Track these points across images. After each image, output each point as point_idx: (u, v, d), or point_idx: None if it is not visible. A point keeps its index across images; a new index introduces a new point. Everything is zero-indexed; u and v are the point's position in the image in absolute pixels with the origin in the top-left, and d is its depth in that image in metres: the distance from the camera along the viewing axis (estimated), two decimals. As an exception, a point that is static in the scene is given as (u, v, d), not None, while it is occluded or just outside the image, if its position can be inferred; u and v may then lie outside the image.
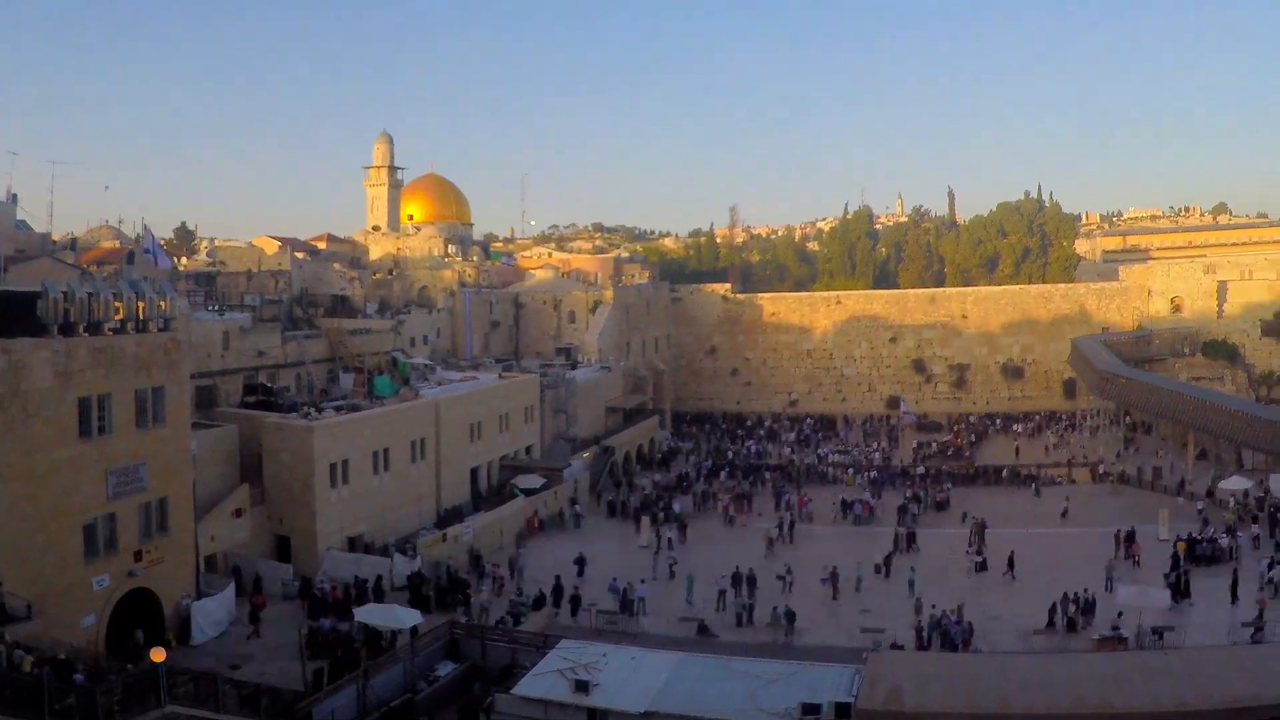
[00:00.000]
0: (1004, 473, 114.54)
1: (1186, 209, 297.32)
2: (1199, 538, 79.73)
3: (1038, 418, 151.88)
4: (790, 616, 66.42)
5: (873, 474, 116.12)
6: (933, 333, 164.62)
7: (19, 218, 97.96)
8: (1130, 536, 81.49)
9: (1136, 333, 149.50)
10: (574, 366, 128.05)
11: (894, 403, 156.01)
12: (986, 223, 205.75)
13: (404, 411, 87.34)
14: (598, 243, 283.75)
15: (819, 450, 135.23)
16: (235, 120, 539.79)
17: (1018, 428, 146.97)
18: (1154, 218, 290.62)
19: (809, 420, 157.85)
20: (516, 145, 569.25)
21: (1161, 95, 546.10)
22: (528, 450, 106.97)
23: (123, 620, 57.59)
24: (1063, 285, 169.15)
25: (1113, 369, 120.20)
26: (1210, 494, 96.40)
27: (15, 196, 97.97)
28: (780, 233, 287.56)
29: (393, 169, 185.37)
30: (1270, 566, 70.71)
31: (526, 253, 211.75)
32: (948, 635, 62.39)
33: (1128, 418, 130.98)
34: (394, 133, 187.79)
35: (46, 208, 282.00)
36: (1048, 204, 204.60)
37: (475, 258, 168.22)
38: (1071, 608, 66.36)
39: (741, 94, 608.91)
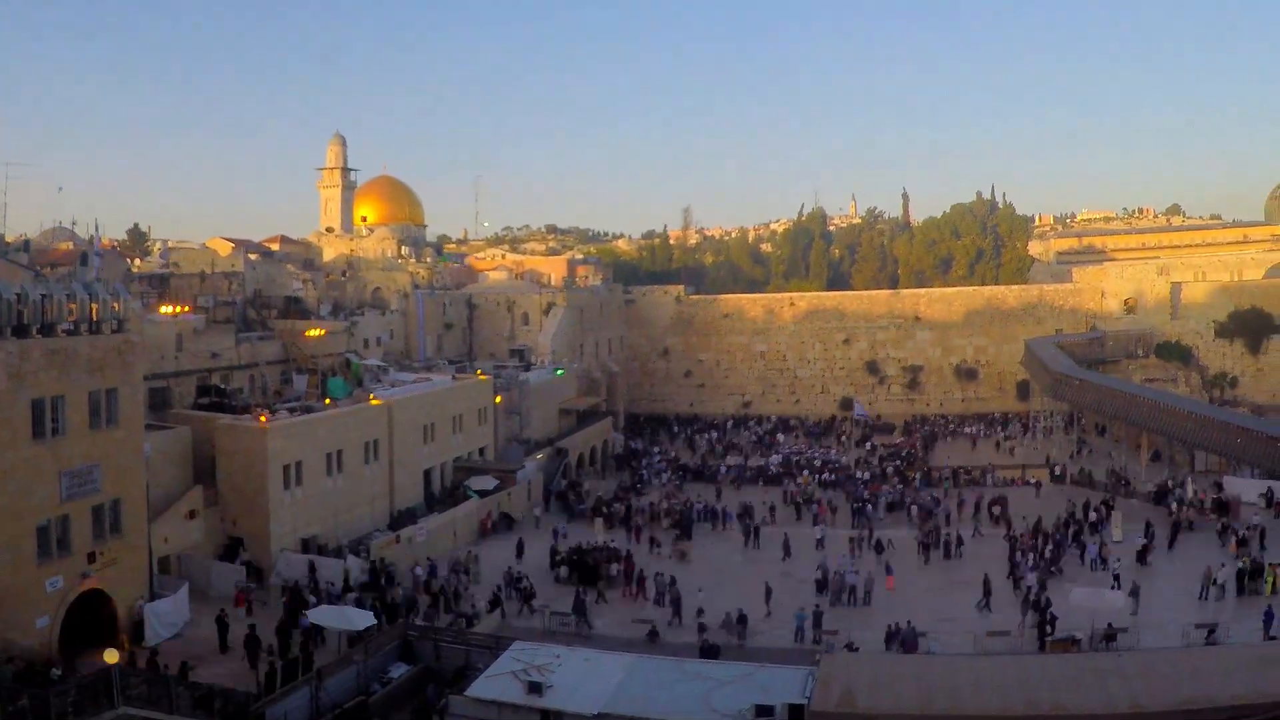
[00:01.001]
0: (957, 474, 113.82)
1: (1140, 210, 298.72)
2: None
3: (993, 419, 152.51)
4: (742, 619, 66.72)
5: (825, 475, 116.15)
6: (886, 334, 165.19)
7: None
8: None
9: (1090, 334, 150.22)
10: (528, 368, 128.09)
11: (847, 404, 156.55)
12: (940, 224, 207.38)
13: (357, 413, 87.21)
14: (551, 244, 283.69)
15: (775, 453, 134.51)
16: (189, 122, 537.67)
17: (971, 429, 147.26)
18: (1107, 219, 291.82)
19: (769, 420, 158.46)
20: (470, 147, 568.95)
21: (1115, 97, 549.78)
22: (481, 452, 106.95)
23: (76, 622, 57.55)
24: (1016, 286, 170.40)
25: (1066, 370, 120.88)
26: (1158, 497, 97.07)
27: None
28: (734, 234, 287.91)
29: (346, 170, 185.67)
30: (1221, 566, 71.55)
31: (480, 254, 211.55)
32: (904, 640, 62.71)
33: (1081, 419, 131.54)
34: (347, 134, 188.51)
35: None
36: (1001, 205, 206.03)
37: (429, 259, 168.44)
38: (1028, 610, 67.13)
39: (695, 95, 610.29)
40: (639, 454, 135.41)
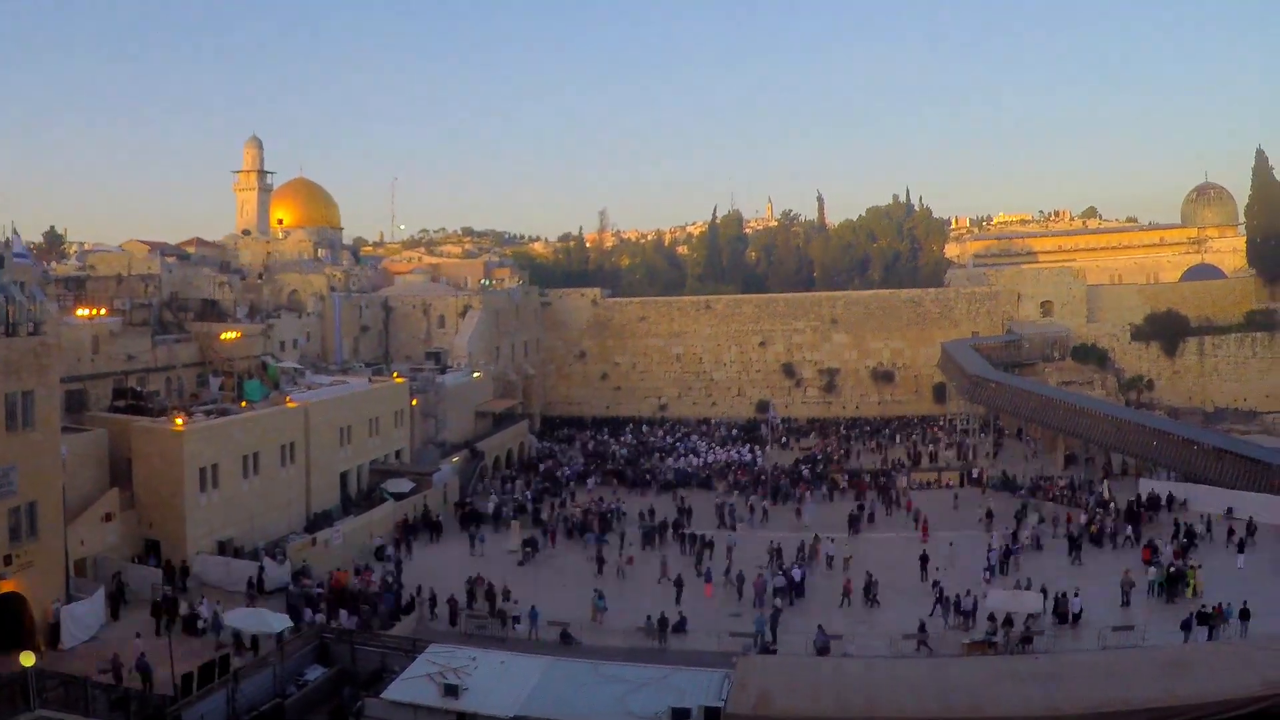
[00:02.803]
0: (875, 478, 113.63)
1: (1056, 213, 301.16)
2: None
3: (910, 422, 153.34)
4: (663, 623, 67.14)
5: (744, 479, 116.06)
6: (802, 337, 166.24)
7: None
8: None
9: (1006, 337, 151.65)
10: (444, 371, 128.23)
11: (763, 407, 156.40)
12: (856, 227, 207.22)
13: (274, 416, 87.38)
14: (467, 247, 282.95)
15: (694, 456, 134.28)
16: (105, 124, 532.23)
17: (888, 431, 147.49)
18: (1024, 222, 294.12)
19: (681, 424, 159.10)
20: (386, 149, 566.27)
21: (1030, 99, 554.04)
22: (397, 454, 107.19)
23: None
24: (932, 290, 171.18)
25: (983, 373, 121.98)
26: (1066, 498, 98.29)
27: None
28: (650, 237, 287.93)
29: (262, 173, 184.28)
30: (1147, 570, 72.68)
31: (396, 256, 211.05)
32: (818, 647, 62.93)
33: (998, 422, 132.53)
34: (263, 136, 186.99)
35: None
36: (917, 208, 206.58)
37: (345, 262, 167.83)
38: (951, 613, 68.00)
39: (610, 98, 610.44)
40: (555, 456, 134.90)
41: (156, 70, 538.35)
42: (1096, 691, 38.35)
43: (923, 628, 64.80)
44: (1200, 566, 71.70)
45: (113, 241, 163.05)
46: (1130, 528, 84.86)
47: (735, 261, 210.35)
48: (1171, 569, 71.88)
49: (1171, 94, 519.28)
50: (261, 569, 72.55)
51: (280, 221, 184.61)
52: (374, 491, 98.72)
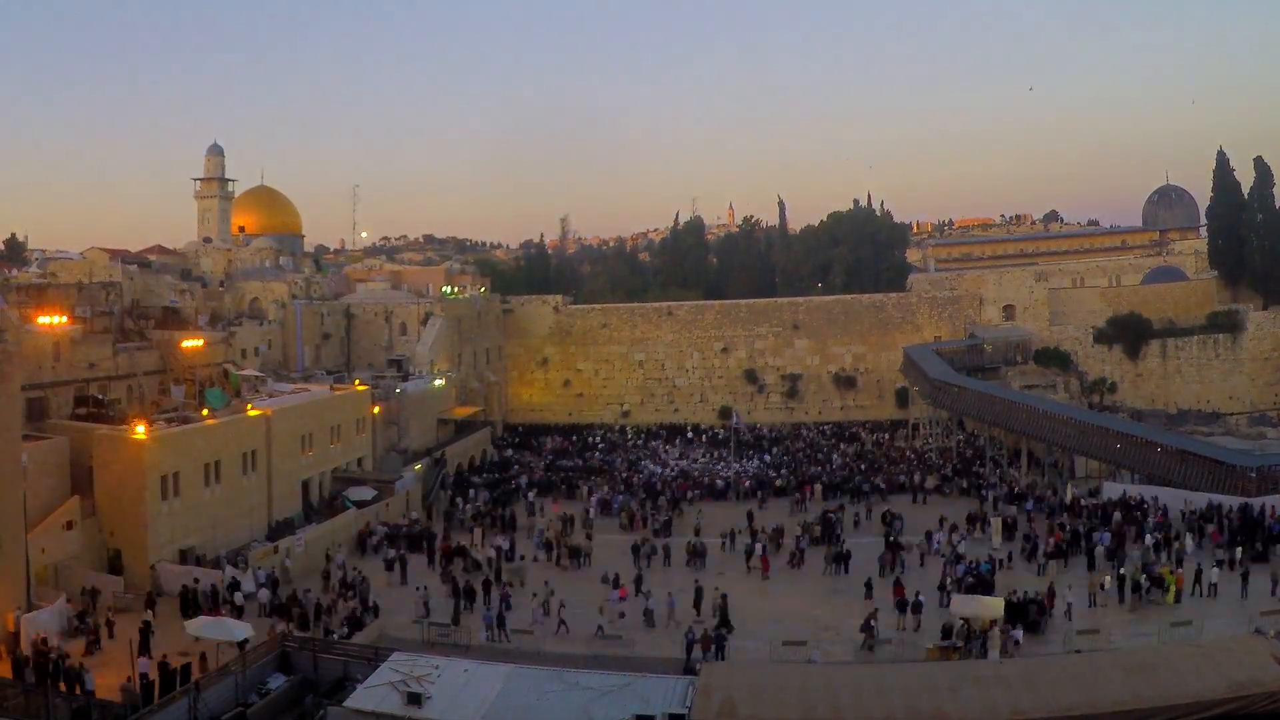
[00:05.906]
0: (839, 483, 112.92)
1: (1018, 217, 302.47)
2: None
3: (874, 427, 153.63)
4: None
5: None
6: (764, 343, 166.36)
7: None
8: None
9: (969, 341, 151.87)
10: (406, 378, 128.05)
11: (726, 413, 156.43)
12: (818, 232, 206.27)
13: (235, 424, 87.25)
14: (429, 255, 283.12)
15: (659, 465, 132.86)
16: (66, 131, 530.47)
17: (852, 439, 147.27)
18: (985, 226, 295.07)
19: (650, 431, 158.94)
20: (348, 156, 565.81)
21: (992, 103, 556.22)
22: (359, 462, 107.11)
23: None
24: (895, 294, 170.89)
25: (945, 378, 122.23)
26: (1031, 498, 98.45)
27: None
28: (612, 243, 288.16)
29: (223, 181, 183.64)
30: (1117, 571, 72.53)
31: (358, 264, 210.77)
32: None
33: (962, 427, 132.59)
34: (225, 143, 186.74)
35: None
36: (879, 213, 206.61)
37: (307, 269, 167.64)
38: (906, 614, 67.99)
39: (571, 105, 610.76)
40: (510, 464, 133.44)
41: (119, 78, 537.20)
42: (1062, 695, 37.93)
43: (868, 625, 65.06)
44: (1177, 570, 71.37)
45: (74, 249, 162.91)
46: (1097, 531, 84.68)
47: (697, 267, 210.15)
48: (1143, 572, 71.68)
49: (1132, 96, 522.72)
50: (236, 580, 72.43)
51: (241, 229, 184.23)
52: (336, 499, 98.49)
